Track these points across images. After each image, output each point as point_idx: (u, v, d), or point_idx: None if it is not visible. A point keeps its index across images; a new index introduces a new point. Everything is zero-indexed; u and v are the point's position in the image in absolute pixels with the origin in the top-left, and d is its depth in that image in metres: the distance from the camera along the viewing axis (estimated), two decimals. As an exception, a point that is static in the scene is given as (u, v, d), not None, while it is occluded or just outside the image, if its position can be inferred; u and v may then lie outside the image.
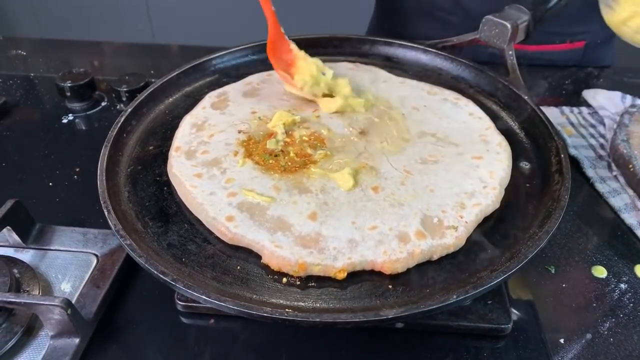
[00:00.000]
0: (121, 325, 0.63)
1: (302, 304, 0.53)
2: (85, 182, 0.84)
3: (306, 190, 0.63)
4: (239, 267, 0.57)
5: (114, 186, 0.65)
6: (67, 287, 0.66)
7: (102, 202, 0.60)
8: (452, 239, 0.57)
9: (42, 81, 1.10)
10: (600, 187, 0.84)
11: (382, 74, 0.88)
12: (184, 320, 0.64)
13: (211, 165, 0.67)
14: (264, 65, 0.91)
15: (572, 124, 1.00)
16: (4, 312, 0.60)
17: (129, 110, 0.75)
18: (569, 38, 1.15)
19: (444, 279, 0.56)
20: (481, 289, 0.50)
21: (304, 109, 0.78)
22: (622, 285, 0.68)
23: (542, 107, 0.77)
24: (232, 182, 0.64)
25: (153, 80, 1.02)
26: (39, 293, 0.64)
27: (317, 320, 0.48)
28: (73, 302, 0.61)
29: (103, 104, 1.03)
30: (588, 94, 1.08)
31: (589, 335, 0.62)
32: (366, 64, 0.92)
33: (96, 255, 0.69)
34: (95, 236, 0.71)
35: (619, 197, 0.81)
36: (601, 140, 0.96)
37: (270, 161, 0.67)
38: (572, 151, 0.91)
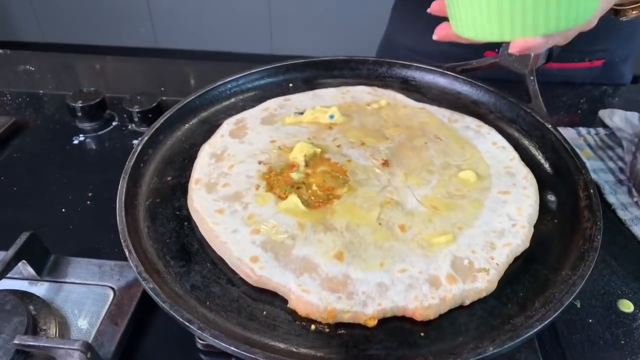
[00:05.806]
0: (140, 364, 0.61)
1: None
2: (98, 208, 0.82)
3: (331, 228, 0.62)
4: (265, 312, 0.55)
5: (133, 222, 0.63)
6: (84, 323, 0.64)
7: (122, 240, 0.58)
8: (484, 283, 0.56)
9: (51, 99, 1.08)
10: (622, 215, 0.83)
11: (401, 98, 0.86)
12: (204, 358, 0.62)
13: (233, 199, 0.65)
14: (281, 88, 0.90)
15: (589, 145, 0.99)
16: (22, 355, 0.58)
17: (146, 138, 0.73)
18: (587, 57, 1.13)
19: (476, 325, 0.54)
20: (518, 340, 0.49)
21: (324, 138, 0.76)
22: (650, 321, 0.67)
23: (558, 128, 0.76)
24: (255, 218, 0.63)
25: (164, 98, 1.00)
26: (55, 331, 0.62)
27: (352, 374, 0.47)
28: (90, 340, 0.60)
29: (114, 123, 1.01)
30: (604, 114, 1.06)
31: (618, 375, 0.61)
32: (383, 86, 0.90)
33: (112, 289, 0.67)
34: (111, 268, 0.70)
35: (642, 226, 0.80)
36: (620, 163, 0.94)
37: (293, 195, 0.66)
38: (592, 175, 0.89)
